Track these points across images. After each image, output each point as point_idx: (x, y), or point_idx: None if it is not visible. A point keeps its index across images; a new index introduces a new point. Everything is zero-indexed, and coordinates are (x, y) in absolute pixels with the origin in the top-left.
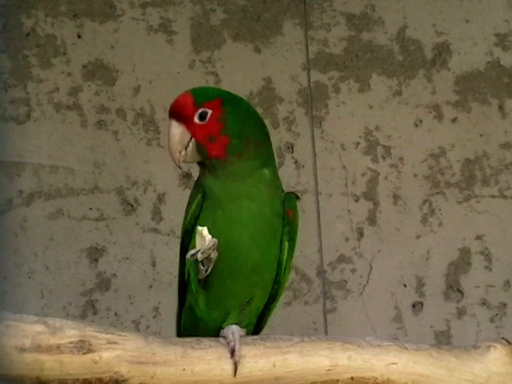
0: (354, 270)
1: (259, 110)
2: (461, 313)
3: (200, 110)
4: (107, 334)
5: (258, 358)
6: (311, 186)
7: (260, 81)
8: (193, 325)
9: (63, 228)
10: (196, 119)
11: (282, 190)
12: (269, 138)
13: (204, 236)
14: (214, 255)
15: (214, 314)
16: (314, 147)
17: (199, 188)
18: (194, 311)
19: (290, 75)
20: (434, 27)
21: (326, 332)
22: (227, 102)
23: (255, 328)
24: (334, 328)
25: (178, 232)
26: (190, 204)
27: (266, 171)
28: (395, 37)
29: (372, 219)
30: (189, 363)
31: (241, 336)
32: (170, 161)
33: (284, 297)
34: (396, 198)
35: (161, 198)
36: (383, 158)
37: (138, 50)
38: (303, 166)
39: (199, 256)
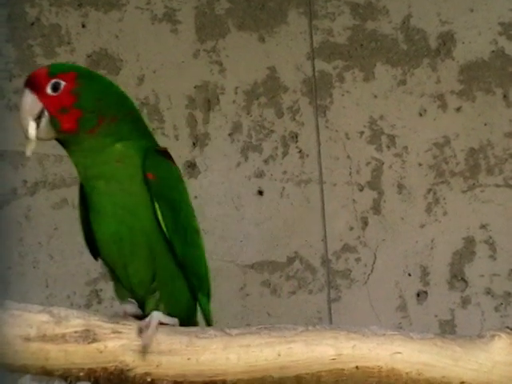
0: (358, 259)
1: (264, 100)
2: (465, 302)
3: (53, 81)
4: (112, 323)
5: (262, 347)
6: (315, 175)
7: (264, 70)
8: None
9: (68, 217)
10: (48, 90)
11: (139, 163)
12: (131, 113)
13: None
14: None
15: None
16: (318, 136)
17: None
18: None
19: (295, 64)
20: (439, 16)
21: (330, 321)
22: (82, 76)
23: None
24: (339, 317)
25: None
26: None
27: (118, 146)
28: (400, 26)
29: (376, 208)
30: (194, 352)
31: (158, 320)
32: (174, 150)
33: (289, 286)
34: (400, 187)
35: None
36: (388, 147)
37: (142, 39)
38: (307, 156)
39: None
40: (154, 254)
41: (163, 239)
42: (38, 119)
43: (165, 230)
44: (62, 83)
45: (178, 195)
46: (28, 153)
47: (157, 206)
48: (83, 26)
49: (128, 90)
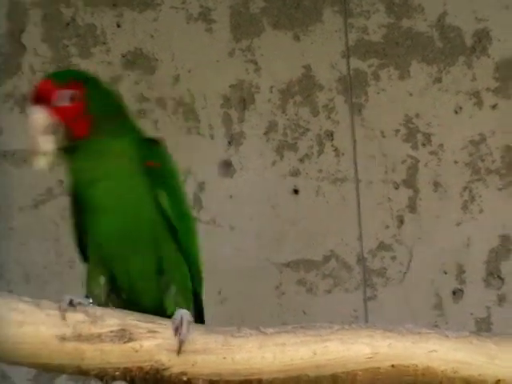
0: (394, 258)
1: (299, 98)
2: (501, 300)
3: (60, 92)
4: (147, 322)
5: (298, 345)
6: (351, 173)
7: (300, 69)
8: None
9: None
10: (58, 101)
11: (137, 158)
12: (123, 109)
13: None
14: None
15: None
16: (353, 135)
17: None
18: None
19: (330, 63)
20: (474, 14)
21: (366, 320)
22: (85, 81)
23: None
24: (375, 316)
25: (219, 220)
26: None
27: (117, 142)
28: (435, 24)
29: (412, 206)
30: (229, 351)
31: (189, 320)
32: (210, 149)
33: (324, 284)
34: (436, 185)
35: (201, 187)
36: (423, 145)
37: (177, 38)
38: (343, 154)
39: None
40: (159, 243)
41: (166, 228)
42: (51, 132)
43: (171, 216)
44: (70, 92)
45: (177, 181)
46: (42, 167)
47: (161, 193)
48: (118, 25)
49: (163, 90)
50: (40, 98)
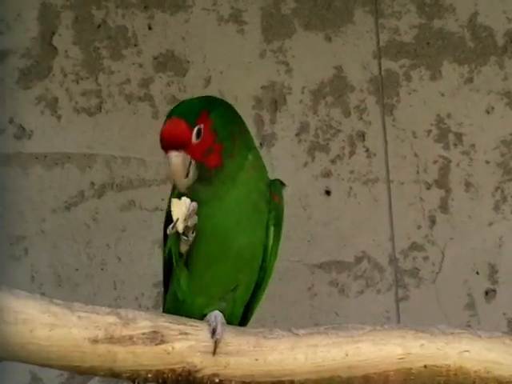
0: (426, 258)
1: (330, 99)
2: None
3: (195, 130)
4: (179, 324)
5: (330, 347)
6: (383, 174)
7: (331, 69)
8: (176, 312)
9: (135, 219)
10: (194, 140)
11: (267, 175)
12: (245, 126)
13: (181, 203)
14: (195, 219)
15: (197, 300)
16: (385, 135)
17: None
18: (177, 296)
19: (361, 63)
20: (505, 14)
21: (398, 320)
22: (212, 109)
23: (242, 320)
24: (407, 316)
25: None
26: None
27: (250, 156)
28: (466, 24)
29: (444, 207)
30: (261, 353)
31: (223, 322)
32: None
33: (356, 285)
34: (468, 185)
35: None
36: (455, 145)
37: (208, 40)
38: (375, 155)
39: (180, 226)
40: (249, 270)
41: (261, 254)
42: (189, 171)
43: (269, 251)
44: (202, 127)
45: (283, 226)
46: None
47: (271, 227)
48: (149, 27)
49: (195, 92)
50: (175, 142)
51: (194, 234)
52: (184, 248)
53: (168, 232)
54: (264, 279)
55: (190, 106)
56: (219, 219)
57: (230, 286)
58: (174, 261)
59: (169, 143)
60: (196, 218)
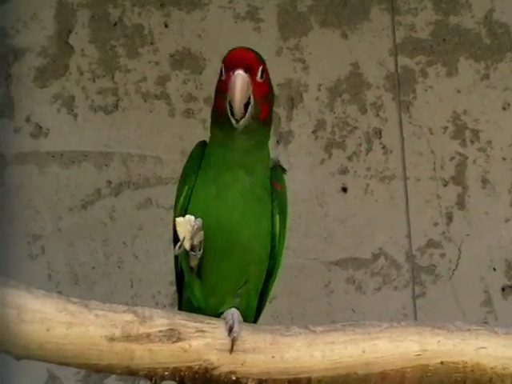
0: (443, 255)
1: (347, 96)
2: None
3: (261, 67)
4: (196, 322)
5: (347, 343)
6: (399, 171)
7: (347, 66)
8: None
9: (152, 217)
10: (258, 75)
11: (269, 165)
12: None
13: (185, 222)
14: (201, 236)
15: (211, 301)
16: (401, 132)
17: (193, 162)
18: (192, 302)
19: (378, 60)
20: None
21: (415, 317)
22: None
23: (256, 311)
24: (424, 313)
25: None
26: (179, 191)
27: (267, 146)
28: (482, 20)
29: (461, 203)
30: (278, 350)
31: (240, 320)
32: None
33: (373, 282)
34: (485, 181)
35: None
36: (471, 141)
37: (225, 38)
38: (391, 151)
39: (187, 245)
40: (258, 259)
41: (269, 243)
42: (247, 101)
43: (276, 239)
44: (264, 71)
45: (287, 212)
46: (240, 126)
47: (276, 216)
48: (166, 25)
49: (211, 89)
50: (245, 64)
51: (201, 252)
52: (194, 263)
53: (175, 252)
54: (274, 267)
55: (256, 51)
56: (225, 209)
57: (242, 280)
58: (185, 274)
59: (238, 61)
60: (202, 234)
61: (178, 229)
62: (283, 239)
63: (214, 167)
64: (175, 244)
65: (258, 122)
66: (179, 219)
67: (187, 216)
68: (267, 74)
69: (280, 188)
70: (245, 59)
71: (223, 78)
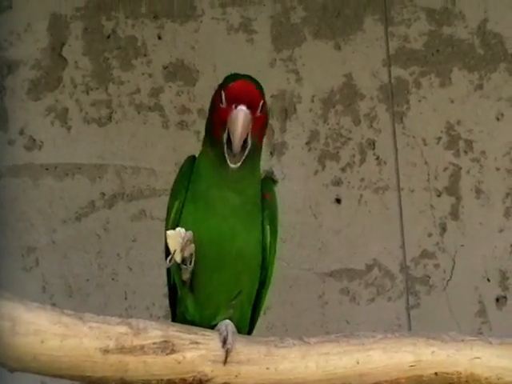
0: (437, 265)
1: (340, 107)
2: None
3: (261, 102)
4: (190, 334)
5: (341, 355)
6: (393, 181)
7: (341, 77)
8: None
9: (146, 229)
10: (259, 110)
11: (260, 180)
12: None
13: (176, 235)
14: (192, 249)
15: (205, 314)
16: (395, 143)
17: (183, 178)
18: (185, 316)
19: (371, 71)
20: None
21: (409, 328)
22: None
23: (250, 321)
24: (418, 324)
25: None
26: (170, 206)
27: (259, 168)
28: (476, 31)
29: (455, 214)
30: (272, 362)
31: (233, 331)
32: None
33: (367, 293)
34: (479, 192)
35: None
36: (465, 152)
37: (218, 49)
38: (385, 163)
39: (178, 257)
40: (250, 270)
41: (260, 254)
42: (247, 136)
43: (267, 250)
44: (263, 105)
45: (278, 222)
46: (235, 165)
47: (266, 227)
48: (159, 37)
49: (205, 101)
50: (251, 103)
51: (193, 265)
52: (185, 276)
53: (166, 265)
54: (266, 277)
55: (255, 81)
56: (215, 223)
57: (234, 292)
58: (178, 288)
59: (242, 96)
60: (193, 246)
61: (168, 242)
62: (274, 249)
63: (203, 182)
64: (167, 257)
65: (253, 153)
66: (170, 232)
67: (178, 229)
68: (265, 105)
69: (270, 197)
70: (249, 95)
71: (224, 106)
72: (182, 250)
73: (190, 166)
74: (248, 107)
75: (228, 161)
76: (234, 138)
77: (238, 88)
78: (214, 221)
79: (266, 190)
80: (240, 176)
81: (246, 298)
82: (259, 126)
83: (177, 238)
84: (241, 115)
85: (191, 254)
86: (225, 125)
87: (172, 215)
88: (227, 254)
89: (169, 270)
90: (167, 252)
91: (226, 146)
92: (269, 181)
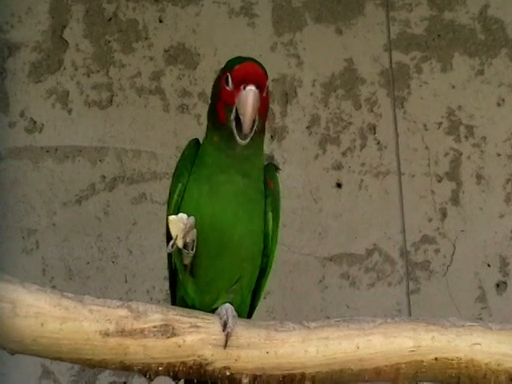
0: (437, 251)
1: (341, 92)
2: None
3: (267, 83)
4: (190, 317)
5: (341, 339)
6: (394, 166)
7: (342, 62)
8: None
9: (146, 212)
10: (265, 91)
11: (264, 163)
12: None
13: (178, 220)
14: (193, 234)
15: (205, 298)
16: (396, 128)
17: (186, 161)
18: (186, 300)
19: (372, 56)
20: None
21: (409, 313)
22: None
23: (250, 307)
24: (418, 309)
25: None
26: (173, 189)
27: (262, 151)
28: (477, 16)
29: (455, 199)
30: (272, 346)
31: (234, 315)
32: None
33: (367, 278)
34: (479, 177)
35: None
36: (466, 137)
37: (219, 33)
38: (386, 147)
39: (180, 243)
40: (251, 257)
41: (262, 240)
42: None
43: (269, 236)
44: (268, 85)
45: (280, 210)
46: (245, 142)
47: (269, 214)
48: (160, 20)
49: (206, 84)
50: (257, 81)
51: (194, 251)
52: (187, 260)
53: (168, 250)
54: (267, 265)
55: (261, 64)
56: (218, 208)
57: (235, 277)
58: (179, 273)
59: (251, 77)
60: (194, 232)
61: (170, 227)
62: (276, 237)
63: (207, 167)
64: (168, 242)
65: (256, 136)
66: (172, 217)
67: (180, 214)
68: (268, 88)
69: (273, 185)
70: (256, 75)
71: (230, 88)
72: (184, 236)
73: (194, 150)
74: (256, 87)
75: (237, 137)
76: (245, 118)
77: (246, 69)
78: (216, 206)
79: (270, 178)
80: (245, 157)
81: (246, 284)
82: (265, 106)
83: (179, 223)
84: (251, 95)
85: (193, 240)
86: (231, 106)
87: (174, 198)
88: (229, 240)
89: (170, 255)
90: (169, 237)
91: (234, 125)
92: (271, 167)
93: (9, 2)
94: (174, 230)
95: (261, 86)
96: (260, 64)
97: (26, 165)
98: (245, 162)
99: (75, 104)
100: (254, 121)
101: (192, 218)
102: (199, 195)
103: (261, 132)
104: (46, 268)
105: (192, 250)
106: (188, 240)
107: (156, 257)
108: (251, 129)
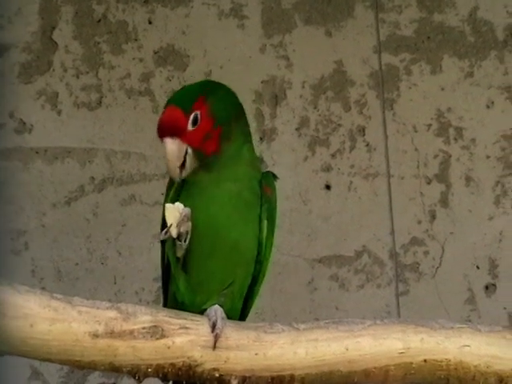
0: (426, 253)
1: (331, 94)
2: None
3: (191, 117)
4: (180, 319)
5: (330, 341)
6: (383, 168)
7: (331, 64)
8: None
9: (136, 214)
10: (190, 127)
11: (260, 168)
12: (244, 113)
13: (174, 209)
14: (188, 226)
15: (196, 299)
16: (385, 130)
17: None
18: (177, 298)
19: (362, 58)
20: (506, 8)
21: (398, 315)
22: (209, 93)
23: (241, 314)
24: (407, 311)
25: None
26: (167, 192)
27: (245, 149)
28: (466, 18)
29: (444, 201)
30: (261, 347)
31: (223, 317)
32: None
33: (357, 280)
34: (468, 179)
35: None
36: (455, 139)
37: (209, 35)
38: (375, 149)
39: (173, 232)
40: (245, 263)
41: (256, 247)
42: (185, 158)
43: (263, 245)
44: (199, 113)
45: (276, 219)
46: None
47: (264, 221)
48: (150, 22)
49: None
50: (170, 129)
51: (187, 242)
52: (180, 253)
53: (160, 237)
54: (260, 272)
55: (186, 91)
56: (212, 211)
57: (227, 281)
58: (171, 265)
59: (163, 130)
60: (189, 224)
61: (166, 214)
62: (270, 245)
63: (198, 171)
64: (162, 230)
65: (213, 155)
66: (168, 205)
67: (177, 203)
68: (206, 108)
69: (270, 192)
70: (168, 124)
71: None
72: (179, 225)
73: None
74: (171, 136)
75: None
76: (168, 169)
77: (159, 122)
78: (211, 209)
79: (267, 185)
80: (221, 171)
81: (237, 290)
82: (200, 135)
83: (175, 211)
84: (167, 149)
85: (187, 231)
86: None
87: (171, 195)
88: (222, 243)
89: (164, 248)
90: (163, 225)
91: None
92: (269, 175)
93: None
94: (170, 218)
95: (178, 131)
96: (177, 104)
97: (16, 166)
98: (225, 172)
99: (64, 105)
100: (182, 165)
101: (188, 209)
102: (194, 196)
103: (215, 153)
104: (36, 269)
105: (185, 241)
106: (182, 230)
107: (145, 258)
108: (180, 172)
